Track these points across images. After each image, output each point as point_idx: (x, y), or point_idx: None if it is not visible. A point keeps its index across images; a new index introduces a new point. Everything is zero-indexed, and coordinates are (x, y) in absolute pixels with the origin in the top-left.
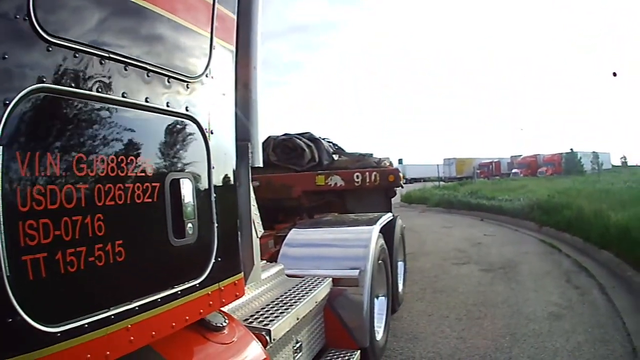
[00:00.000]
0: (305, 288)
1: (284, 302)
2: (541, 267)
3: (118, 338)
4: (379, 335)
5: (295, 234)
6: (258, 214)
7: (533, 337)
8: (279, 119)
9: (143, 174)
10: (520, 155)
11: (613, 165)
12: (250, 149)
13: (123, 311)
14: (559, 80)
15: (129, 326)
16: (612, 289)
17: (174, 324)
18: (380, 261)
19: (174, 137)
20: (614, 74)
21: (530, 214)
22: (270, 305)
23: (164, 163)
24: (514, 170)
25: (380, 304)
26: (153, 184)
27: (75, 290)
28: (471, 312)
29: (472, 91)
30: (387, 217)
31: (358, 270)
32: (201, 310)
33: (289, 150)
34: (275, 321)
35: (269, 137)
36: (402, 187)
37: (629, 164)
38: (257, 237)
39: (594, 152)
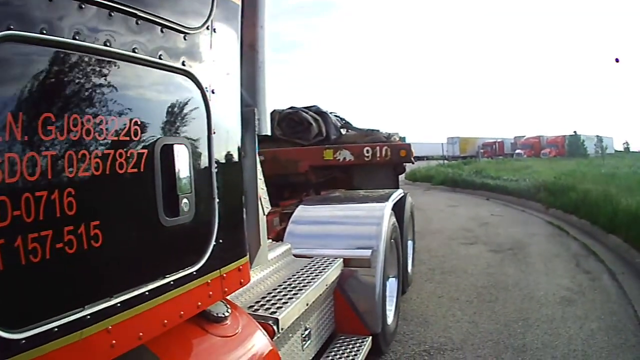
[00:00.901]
0: (315, 270)
1: (292, 285)
2: (550, 250)
3: (97, 343)
4: (389, 319)
5: (302, 211)
6: (265, 189)
7: (546, 323)
8: (281, 95)
9: (127, 138)
10: (524, 136)
11: (616, 150)
12: (256, 115)
13: (102, 309)
14: (563, 64)
15: (110, 327)
16: (622, 275)
17: (166, 321)
18: (392, 240)
19: (167, 95)
20: (617, 60)
21: (537, 195)
22: (277, 290)
23: (154, 125)
24: (517, 151)
25: (391, 286)
26: (140, 151)
27: (40, 285)
28: (482, 295)
29: (475, 72)
30: (398, 194)
31: (370, 250)
32: (199, 303)
33: (295, 124)
34: (283, 308)
35: (274, 110)
36: (413, 162)
37: (631, 149)
38: (264, 214)
39: (597, 136)
